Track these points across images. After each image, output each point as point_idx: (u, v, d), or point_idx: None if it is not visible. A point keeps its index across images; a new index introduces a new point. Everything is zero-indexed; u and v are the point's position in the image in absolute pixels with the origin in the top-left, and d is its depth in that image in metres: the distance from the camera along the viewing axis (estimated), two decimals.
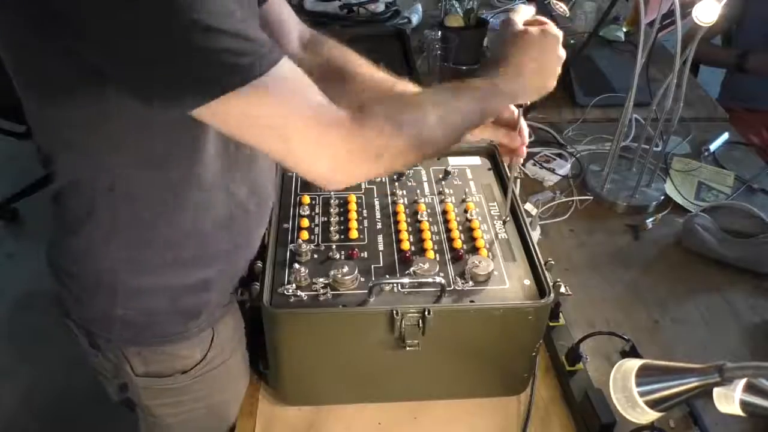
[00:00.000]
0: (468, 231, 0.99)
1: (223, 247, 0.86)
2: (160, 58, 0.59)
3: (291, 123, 0.65)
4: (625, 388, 0.62)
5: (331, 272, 0.88)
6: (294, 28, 1.00)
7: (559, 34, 0.85)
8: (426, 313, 0.83)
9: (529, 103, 0.90)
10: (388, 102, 0.78)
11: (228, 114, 0.64)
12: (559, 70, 0.86)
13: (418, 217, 1.01)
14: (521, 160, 1.03)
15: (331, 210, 1.02)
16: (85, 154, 0.73)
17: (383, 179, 1.09)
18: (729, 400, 0.56)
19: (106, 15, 0.57)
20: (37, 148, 0.77)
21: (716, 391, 0.57)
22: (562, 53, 0.86)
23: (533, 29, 0.83)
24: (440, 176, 1.10)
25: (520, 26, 0.84)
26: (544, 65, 0.85)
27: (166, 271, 0.83)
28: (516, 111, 0.94)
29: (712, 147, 1.56)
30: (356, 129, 0.68)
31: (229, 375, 0.97)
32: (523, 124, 0.96)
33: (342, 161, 0.68)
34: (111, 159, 0.73)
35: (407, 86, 0.94)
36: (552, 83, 0.87)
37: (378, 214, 1.02)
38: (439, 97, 0.78)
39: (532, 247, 0.94)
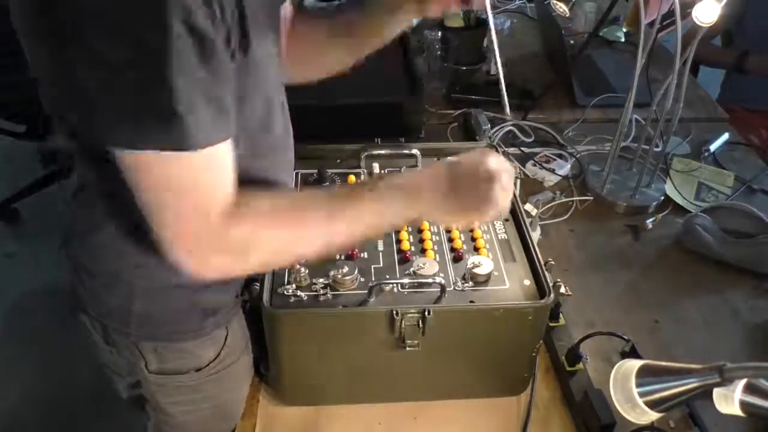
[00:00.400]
0: (468, 231, 0.99)
1: None
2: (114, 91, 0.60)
3: (185, 205, 0.66)
4: (625, 389, 0.62)
5: (331, 272, 0.88)
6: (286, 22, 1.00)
7: (508, 173, 0.77)
8: (426, 313, 0.83)
9: None
10: (277, 198, 0.76)
11: (142, 169, 0.64)
12: (491, 208, 0.77)
13: None
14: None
15: None
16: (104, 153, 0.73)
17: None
18: (729, 400, 0.56)
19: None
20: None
21: (716, 391, 0.57)
22: (499, 193, 0.76)
23: (468, 160, 0.79)
24: None
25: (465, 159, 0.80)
26: (459, 199, 0.77)
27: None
28: None
29: (712, 147, 1.56)
30: (225, 227, 0.68)
31: (238, 375, 0.98)
32: None
33: (204, 254, 0.69)
34: None
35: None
36: (476, 217, 0.80)
37: None
38: (321, 214, 0.75)
39: (532, 247, 0.94)
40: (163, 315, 0.87)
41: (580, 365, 0.99)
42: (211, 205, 0.67)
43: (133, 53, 0.57)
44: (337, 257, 0.93)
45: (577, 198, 1.37)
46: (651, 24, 1.23)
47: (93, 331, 0.92)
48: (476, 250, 0.95)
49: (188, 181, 0.65)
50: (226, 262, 0.72)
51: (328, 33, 0.98)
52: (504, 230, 1.00)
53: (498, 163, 0.77)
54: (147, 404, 1.00)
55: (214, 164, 0.66)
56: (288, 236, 0.73)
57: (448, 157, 0.80)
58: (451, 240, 0.97)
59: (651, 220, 1.32)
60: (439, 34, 1.72)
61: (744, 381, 0.55)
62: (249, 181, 0.77)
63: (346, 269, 0.88)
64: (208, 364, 0.91)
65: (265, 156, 0.82)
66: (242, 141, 0.73)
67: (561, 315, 1.06)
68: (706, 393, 0.57)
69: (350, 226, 0.75)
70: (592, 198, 1.38)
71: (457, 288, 0.90)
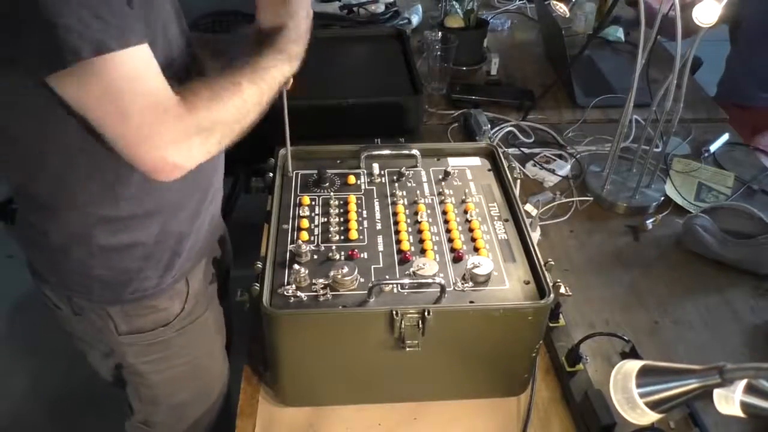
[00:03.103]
0: (468, 231, 0.99)
1: (182, 197, 0.92)
2: (25, 25, 0.64)
3: (133, 103, 0.69)
4: (626, 389, 0.62)
5: (331, 273, 0.88)
6: None
7: None
8: (426, 313, 0.83)
9: None
10: (208, 82, 0.79)
11: (77, 86, 0.68)
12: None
13: (418, 217, 1.01)
14: None
15: (331, 211, 1.02)
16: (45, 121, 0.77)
17: (383, 179, 1.09)
18: (729, 401, 0.56)
19: None
20: None
21: (716, 392, 0.57)
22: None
23: None
24: (440, 177, 1.10)
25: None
26: None
27: (136, 226, 0.88)
28: None
29: (712, 148, 1.56)
30: (186, 111, 0.72)
31: (208, 329, 1.03)
32: None
33: (177, 141, 0.72)
34: (68, 122, 0.75)
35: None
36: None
37: (378, 215, 1.02)
38: (247, 67, 0.82)
39: (532, 247, 0.94)
40: (122, 276, 0.90)
41: (580, 366, 0.99)
42: (164, 97, 0.71)
43: None
44: (338, 257, 0.93)
45: (577, 198, 1.37)
46: (651, 24, 1.23)
47: (60, 303, 0.96)
48: (476, 250, 0.95)
49: (135, 77, 0.69)
50: (197, 144, 0.75)
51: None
52: (504, 230, 1.00)
53: None
54: (123, 371, 1.03)
55: (148, 62, 0.71)
56: (237, 103, 0.78)
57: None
58: (451, 240, 0.97)
59: (651, 220, 1.32)
60: (439, 34, 1.72)
61: (744, 382, 0.55)
62: None
63: (346, 269, 0.88)
64: (175, 318, 0.96)
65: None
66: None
67: (561, 315, 1.06)
68: (706, 394, 0.57)
69: (267, 80, 0.82)
70: (592, 198, 1.38)
71: (457, 288, 0.89)
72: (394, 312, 0.83)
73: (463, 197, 1.05)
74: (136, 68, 0.69)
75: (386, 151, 1.14)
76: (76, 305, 0.94)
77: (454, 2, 1.95)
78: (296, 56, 0.87)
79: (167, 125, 0.71)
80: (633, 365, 0.63)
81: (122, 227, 0.87)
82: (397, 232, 0.98)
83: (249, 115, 0.81)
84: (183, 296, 0.97)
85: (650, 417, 0.61)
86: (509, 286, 0.90)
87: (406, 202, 1.04)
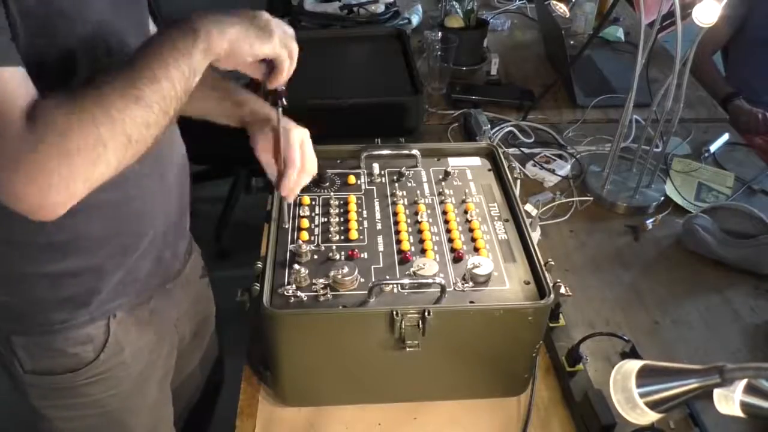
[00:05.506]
0: (468, 231, 0.99)
1: (105, 232, 0.82)
2: None
3: None
4: (626, 389, 0.62)
5: (331, 273, 0.88)
6: None
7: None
8: (426, 313, 0.83)
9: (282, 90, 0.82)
10: (83, 95, 0.64)
11: None
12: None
13: (418, 217, 1.01)
14: (293, 195, 0.94)
15: (331, 210, 1.02)
16: None
17: (383, 179, 1.09)
18: (729, 401, 0.56)
19: None
20: None
21: (716, 392, 0.57)
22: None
23: None
24: (440, 177, 1.10)
25: None
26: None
27: (41, 256, 0.80)
28: (276, 112, 0.88)
29: (713, 148, 1.56)
30: (32, 134, 0.60)
31: (134, 382, 0.92)
32: (294, 142, 0.91)
33: (25, 172, 0.60)
34: None
35: None
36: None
37: (378, 215, 1.02)
38: (119, 84, 0.64)
39: (532, 247, 0.94)
40: (25, 306, 0.83)
41: (581, 366, 0.99)
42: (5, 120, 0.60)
43: None
44: (338, 257, 0.93)
45: (577, 198, 1.37)
46: (651, 24, 1.23)
47: None
48: (476, 250, 0.95)
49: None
50: (65, 173, 0.61)
51: (213, 84, 0.95)
52: (504, 230, 1.00)
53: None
54: (31, 412, 0.93)
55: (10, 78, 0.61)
56: (130, 113, 0.63)
57: None
58: (451, 240, 0.97)
59: (651, 220, 1.32)
60: (439, 34, 1.72)
61: (744, 382, 0.55)
62: None
63: (346, 270, 0.88)
64: (86, 365, 0.86)
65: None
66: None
67: (561, 315, 1.06)
68: (706, 394, 0.57)
69: (156, 84, 0.65)
70: (592, 198, 1.38)
71: (457, 288, 0.89)
72: (394, 312, 0.83)
73: (463, 197, 1.05)
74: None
75: (386, 151, 1.14)
76: None
77: (454, 2, 1.95)
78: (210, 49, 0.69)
79: (11, 150, 0.59)
80: (633, 365, 0.63)
81: (28, 254, 0.80)
82: (398, 232, 0.98)
83: (123, 125, 0.63)
84: (100, 342, 0.86)
85: (650, 417, 0.61)
86: (509, 286, 0.90)
87: (406, 202, 1.04)
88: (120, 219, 0.84)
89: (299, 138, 0.93)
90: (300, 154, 0.92)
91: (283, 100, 0.84)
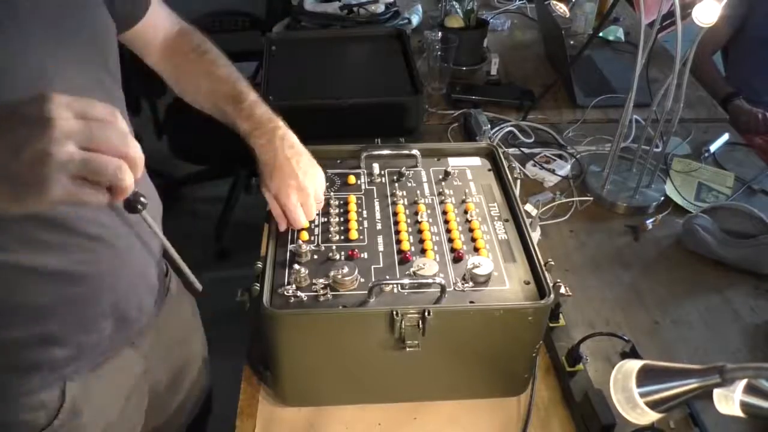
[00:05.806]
0: (468, 231, 0.99)
1: (52, 300, 0.75)
2: None
3: None
4: (626, 389, 0.62)
5: (331, 273, 0.88)
6: (159, 33, 0.99)
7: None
8: (426, 313, 0.83)
9: None
10: None
11: None
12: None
13: (418, 217, 1.01)
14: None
15: (331, 211, 1.02)
16: None
17: (383, 179, 1.09)
18: (729, 401, 0.56)
19: None
20: None
21: (716, 392, 0.57)
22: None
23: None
24: (440, 177, 1.10)
25: None
26: None
27: None
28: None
29: (713, 148, 1.56)
30: None
31: None
32: (293, 205, 0.93)
33: None
34: None
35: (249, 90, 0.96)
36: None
37: (378, 215, 1.02)
38: None
39: (532, 247, 0.94)
40: None
41: (581, 366, 0.99)
42: None
43: None
44: (338, 257, 0.93)
45: (577, 198, 1.37)
46: (651, 24, 1.23)
47: None
48: (476, 250, 0.95)
49: None
50: None
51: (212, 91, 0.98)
52: (504, 230, 1.00)
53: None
54: None
55: None
56: None
57: None
58: (451, 240, 0.97)
59: (651, 220, 1.32)
60: (439, 34, 1.72)
61: (744, 381, 0.55)
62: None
63: (346, 269, 0.88)
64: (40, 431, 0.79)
65: None
66: None
67: (561, 315, 1.06)
68: (706, 394, 0.57)
69: None
70: (592, 198, 1.38)
71: (457, 288, 0.89)
72: (394, 312, 0.83)
73: (463, 197, 1.05)
74: None
75: (386, 151, 1.14)
76: None
77: (454, 2, 1.95)
78: None
79: None
80: (633, 365, 0.63)
81: None
82: (397, 232, 0.98)
83: None
84: (54, 407, 0.79)
85: (650, 417, 0.61)
86: (509, 286, 0.90)
87: (406, 202, 1.04)
88: (68, 285, 0.75)
89: (297, 202, 0.94)
90: (304, 209, 0.95)
91: (142, 200, 0.61)
